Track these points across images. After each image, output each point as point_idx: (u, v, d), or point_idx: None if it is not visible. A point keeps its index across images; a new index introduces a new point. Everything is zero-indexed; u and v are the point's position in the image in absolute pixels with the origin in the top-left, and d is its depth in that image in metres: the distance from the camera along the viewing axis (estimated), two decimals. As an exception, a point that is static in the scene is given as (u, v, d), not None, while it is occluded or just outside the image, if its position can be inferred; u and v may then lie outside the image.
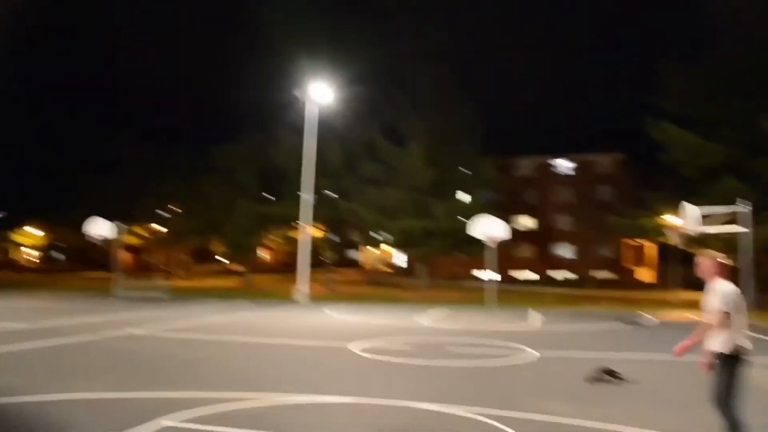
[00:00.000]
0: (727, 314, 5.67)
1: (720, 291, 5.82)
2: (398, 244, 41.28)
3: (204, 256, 64.83)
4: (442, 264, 51.12)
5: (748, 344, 5.70)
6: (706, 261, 6.01)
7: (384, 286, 40.94)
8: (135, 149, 45.19)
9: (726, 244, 26.18)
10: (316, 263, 49.16)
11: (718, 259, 6.02)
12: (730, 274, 6.06)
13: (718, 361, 5.75)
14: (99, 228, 29.91)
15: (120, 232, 31.71)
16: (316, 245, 43.04)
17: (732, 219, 20.51)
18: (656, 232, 28.93)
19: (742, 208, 18.60)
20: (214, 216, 40.32)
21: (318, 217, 38.85)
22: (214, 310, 22.38)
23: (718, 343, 5.74)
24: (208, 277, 48.60)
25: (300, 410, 7.35)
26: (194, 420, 6.70)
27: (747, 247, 19.06)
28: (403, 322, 19.19)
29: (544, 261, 54.64)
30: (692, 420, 7.14)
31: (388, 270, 62.44)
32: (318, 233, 41.20)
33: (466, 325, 18.72)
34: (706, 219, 20.37)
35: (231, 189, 40.32)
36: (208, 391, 8.11)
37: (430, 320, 20.07)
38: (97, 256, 48.13)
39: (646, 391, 8.67)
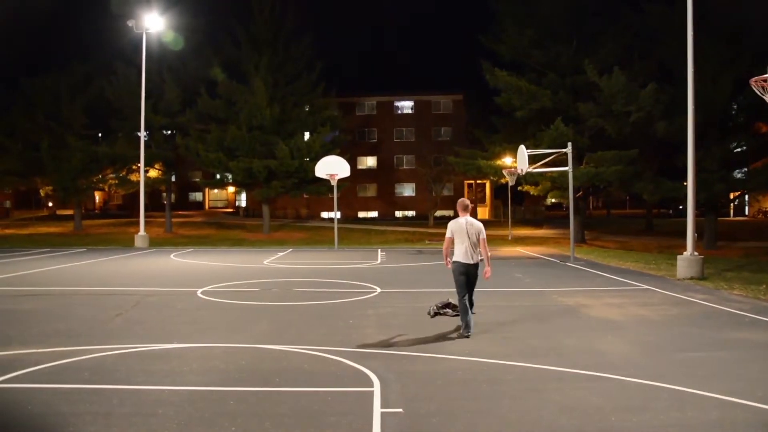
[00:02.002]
0: (449, 239, 8.61)
1: (449, 224, 8.71)
2: (241, 185, 40.52)
3: (27, 201, 59.90)
4: (287, 204, 51.04)
5: (463, 258, 8.43)
6: (458, 203, 8.80)
7: (228, 228, 40.22)
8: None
9: (555, 183, 28.36)
10: (157, 206, 47.12)
11: (461, 202, 8.76)
12: (470, 211, 8.67)
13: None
14: None
15: None
16: (156, 187, 41.19)
17: (561, 160, 22.10)
18: (492, 172, 30.65)
19: (567, 150, 20.11)
20: (37, 156, 36.99)
21: (156, 157, 37.10)
22: (46, 258, 20.94)
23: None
24: (33, 224, 45.04)
25: (144, 358, 7.15)
26: (26, 379, 6.33)
27: (570, 185, 20.76)
28: (249, 264, 19.12)
29: (387, 200, 56.12)
30: (519, 347, 7.83)
31: (232, 211, 61.26)
32: (156, 174, 39.37)
33: (310, 265, 18.99)
34: (536, 160, 21.82)
35: (55, 125, 37.07)
36: (44, 347, 7.67)
37: (276, 262, 20.12)
38: None
39: (480, 322, 9.34)
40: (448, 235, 8.64)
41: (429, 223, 46.31)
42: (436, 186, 49.10)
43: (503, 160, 30.46)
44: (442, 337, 8.34)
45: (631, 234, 36.89)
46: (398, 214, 55.62)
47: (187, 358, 7.25)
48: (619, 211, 67.03)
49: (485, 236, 8.52)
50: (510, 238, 32.89)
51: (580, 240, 28.98)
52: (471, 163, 31.27)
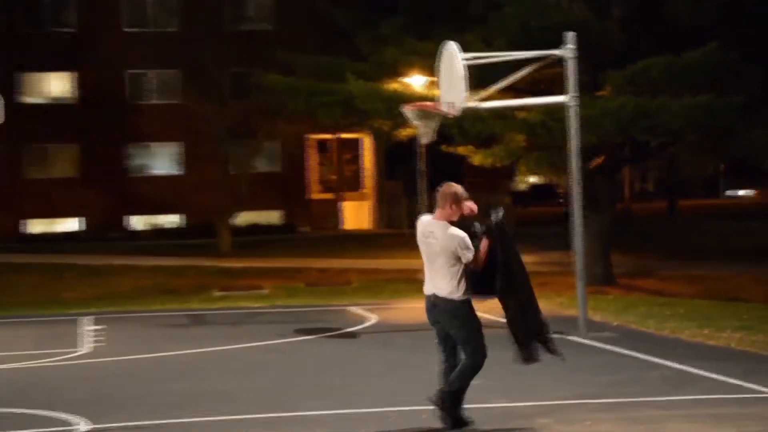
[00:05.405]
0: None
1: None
2: None
3: None
4: None
5: (425, 288, 11.86)
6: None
7: None
8: None
9: (536, 134, 28.99)
10: None
11: (446, 191, 11.25)
12: (461, 208, 11.13)
13: None
14: None
15: None
16: None
17: (549, 80, 22.70)
18: (381, 111, 30.87)
19: (564, 51, 20.46)
20: None
21: None
22: None
23: None
24: None
25: None
26: None
27: (573, 141, 21.04)
28: None
29: (107, 188, 55.63)
30: None
31: None
32: None
33: None
34: (487, 81, 22.28)
35: None
36: None
37: None
38: None
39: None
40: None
41: (220, 246, 46.46)
42: (240, 149, 49.39)
43: (405, 81, 31.01)
44: None
45: (730, 258, 37.99)
46: (137, 223, 55.55)
47: None
48: (697, 201, 69.50)
49: (467, 251, 11.01)
50: (422, 275, 33.11)
51: (603, 277, 29.70)
52: (326, 90, 31.47)
